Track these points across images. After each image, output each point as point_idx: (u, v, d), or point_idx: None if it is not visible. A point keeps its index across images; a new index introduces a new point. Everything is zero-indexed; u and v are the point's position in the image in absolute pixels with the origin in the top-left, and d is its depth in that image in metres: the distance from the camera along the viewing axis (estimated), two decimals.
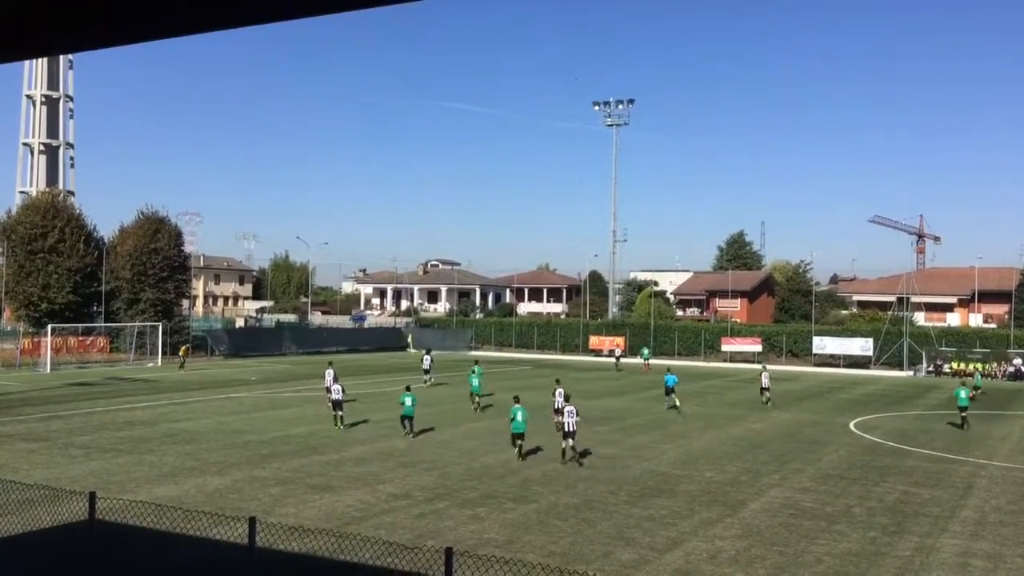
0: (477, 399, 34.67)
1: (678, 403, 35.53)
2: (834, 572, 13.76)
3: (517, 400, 24.96)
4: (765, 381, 38.69)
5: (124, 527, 11.57)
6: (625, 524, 16.52)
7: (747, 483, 20.80)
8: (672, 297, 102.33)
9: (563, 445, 22.93)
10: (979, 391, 34.21)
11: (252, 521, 8.68)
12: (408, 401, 26.70)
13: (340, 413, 28.60)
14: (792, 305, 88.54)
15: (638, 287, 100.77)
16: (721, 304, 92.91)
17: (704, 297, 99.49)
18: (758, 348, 71.29)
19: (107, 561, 9.99)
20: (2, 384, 41.86)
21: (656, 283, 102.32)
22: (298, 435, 26.87)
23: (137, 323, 60.10)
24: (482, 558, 8.97)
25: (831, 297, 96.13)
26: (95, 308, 63.58)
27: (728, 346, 72.38)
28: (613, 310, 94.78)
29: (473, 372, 36.56)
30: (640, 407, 36.94)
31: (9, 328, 68.55)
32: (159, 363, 56.31)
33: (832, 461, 24.28)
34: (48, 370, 50.16)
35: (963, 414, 31.58)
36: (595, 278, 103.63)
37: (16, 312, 64.58)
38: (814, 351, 68.33)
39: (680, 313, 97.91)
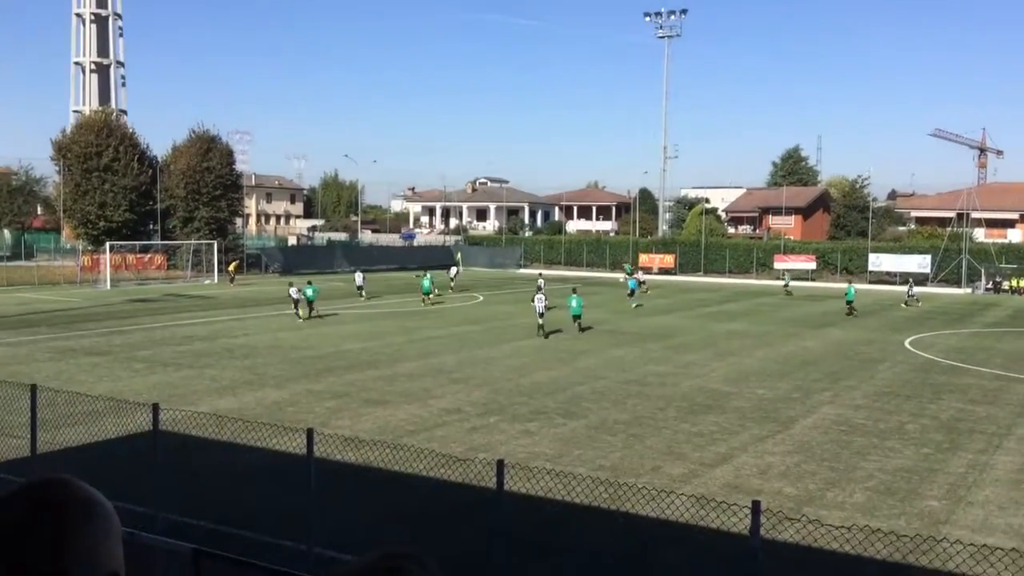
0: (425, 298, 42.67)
1: (634, 304, 43.75)
2: (885, 487, 13.74)
3: (575, 291, 34.00)
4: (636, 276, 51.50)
5: (187, 437, 11.94)
6: (675, 439, 16.63)
7: (799, 400, 20.73)
8: (724, 214, 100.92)
9: (539, 322, 31.43)
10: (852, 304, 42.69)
11: (310, 432, 8.89)
12: (309, 292, 36.16)
13: (297, 311, 36.02)
14: (848, 222, 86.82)
15: (689, 204, 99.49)
16: (774, 221, 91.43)
17: (757, 214, 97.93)
18: (812, 266, 70.28)
19: (171, 469, 10.34)
20: (64, 300, 43.10)
21: (707, 200, 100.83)
22: (351, 351, 27.34)
23: (192, 241, 61.15)
24: (533, 470, 9.11)
25: (889, 213, 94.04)
26: (151, 226, 64.76)
27: (781, 263, 71.40)
28: (663, 228, 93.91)
29: (425, 276, 44.33)
30: (691, 325, 36.83)
31: (69, 246, 70.35)
32: (215, 280, 57.41)
33: (886, 379, 24.05)
34: (108, 287, 51.44)
35: (849, 306, 41.95)
36: (645, 196, 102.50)
37: (75, 230, 66.06)
38: (870, 268, 67.16)
39: (732, 231, 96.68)
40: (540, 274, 51.78)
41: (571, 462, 14.72)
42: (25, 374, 21.01)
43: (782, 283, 59.10)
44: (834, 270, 70.27)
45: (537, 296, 32.47)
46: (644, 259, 77.66)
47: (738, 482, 13.93)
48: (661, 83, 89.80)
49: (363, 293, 45.74)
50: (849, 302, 42.39)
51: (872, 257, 67.60)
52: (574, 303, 32.61)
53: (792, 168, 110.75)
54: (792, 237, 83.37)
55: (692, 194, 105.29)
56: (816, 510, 12.49)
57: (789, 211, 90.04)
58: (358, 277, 47.48)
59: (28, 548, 1.38)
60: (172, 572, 7.82)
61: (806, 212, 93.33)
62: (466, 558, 10.20)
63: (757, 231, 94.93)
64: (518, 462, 13.01)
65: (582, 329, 32.79)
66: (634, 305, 43.80)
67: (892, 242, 75.22)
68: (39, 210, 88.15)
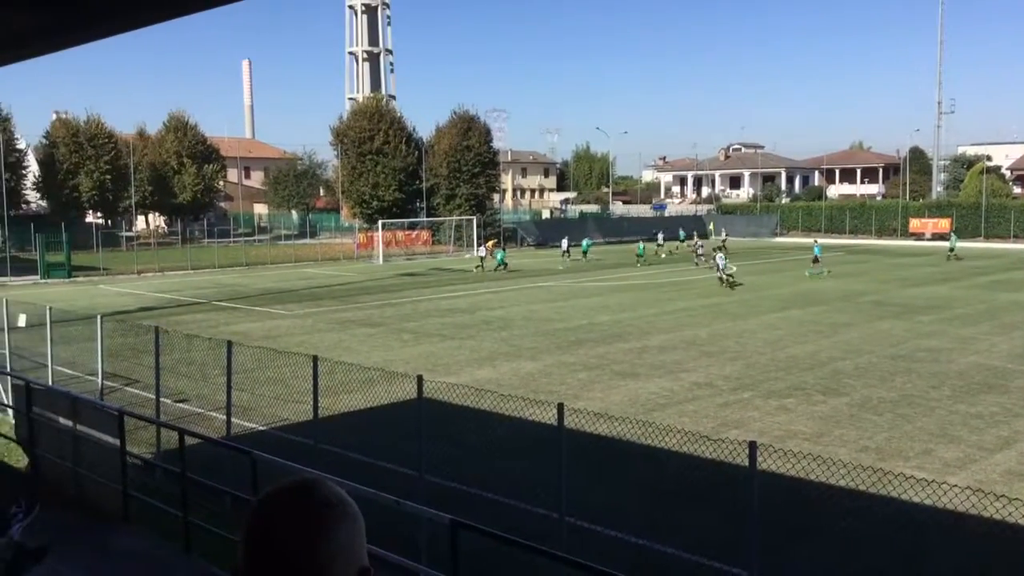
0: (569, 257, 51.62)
1: (819, 271, 41.74)
2: None
3: (721, 249, 43.69)
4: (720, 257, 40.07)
5: (448, 405, 12.66)
6: (949, 421, 15.42)
7: None
8: (1008, 173, 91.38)
9: (719, 275, 37.16)
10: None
11: (560, 406, 9.15)
12: (499, 255, 47.63)
13: (480, 264, 47.38)
14: None
15: (967, 163, 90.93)
16: None
17: None
18: None
19: (433, 436, 11.03)
20: (343, 275, 46.93)
21: (989, 158, 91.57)
22: (603, 323, 27.65)
23: (454, 217, 64.38)
24: (788, 453, 8.83)
25: None
26: (418, 204, 68.94)
27: None
28: (937, 189, 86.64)
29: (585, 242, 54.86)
30: (968, 295, 33.83)
31: (347, 224, 76.43)
32: (476, 255, 60.02)
33: None
34: (380, 262, 55.38)
35: None
36: (916, 155, 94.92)
37: (352, 210, 71.69)
38: None
39: (1017, 191, 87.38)
40: (695, 233, 60.48)
41: (831, 443, 14.09)
42: (310, 344, 23.17)
43: (947, 245, 53.75)
44: None
45: (718, 255, 39.00)
46: (914, 224, 72.08)
47: (1022, 469, 12.71)
48: (935, 31, 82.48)
49: (566, 257, 51.32)
50: None
51: None
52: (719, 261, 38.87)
53: None
54: None
55: (971, 151, 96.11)
56: None
57: None
58: (563, 243, 53.30)
59: (289, 546, 1.52)
60: (432, 540, 8.37)
61: None
62: (717, 537, 10.10)
63: None
64: (773, 441, 12.67)
65: (732, 285, 36.81)
66: (810, 273, 41.93)
67: None
68: (321, 192, 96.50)
